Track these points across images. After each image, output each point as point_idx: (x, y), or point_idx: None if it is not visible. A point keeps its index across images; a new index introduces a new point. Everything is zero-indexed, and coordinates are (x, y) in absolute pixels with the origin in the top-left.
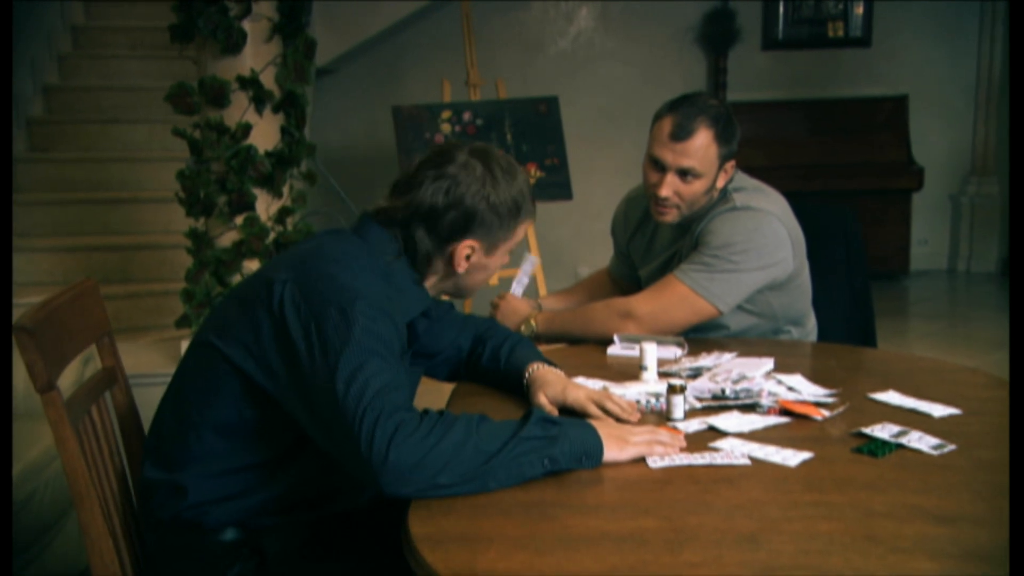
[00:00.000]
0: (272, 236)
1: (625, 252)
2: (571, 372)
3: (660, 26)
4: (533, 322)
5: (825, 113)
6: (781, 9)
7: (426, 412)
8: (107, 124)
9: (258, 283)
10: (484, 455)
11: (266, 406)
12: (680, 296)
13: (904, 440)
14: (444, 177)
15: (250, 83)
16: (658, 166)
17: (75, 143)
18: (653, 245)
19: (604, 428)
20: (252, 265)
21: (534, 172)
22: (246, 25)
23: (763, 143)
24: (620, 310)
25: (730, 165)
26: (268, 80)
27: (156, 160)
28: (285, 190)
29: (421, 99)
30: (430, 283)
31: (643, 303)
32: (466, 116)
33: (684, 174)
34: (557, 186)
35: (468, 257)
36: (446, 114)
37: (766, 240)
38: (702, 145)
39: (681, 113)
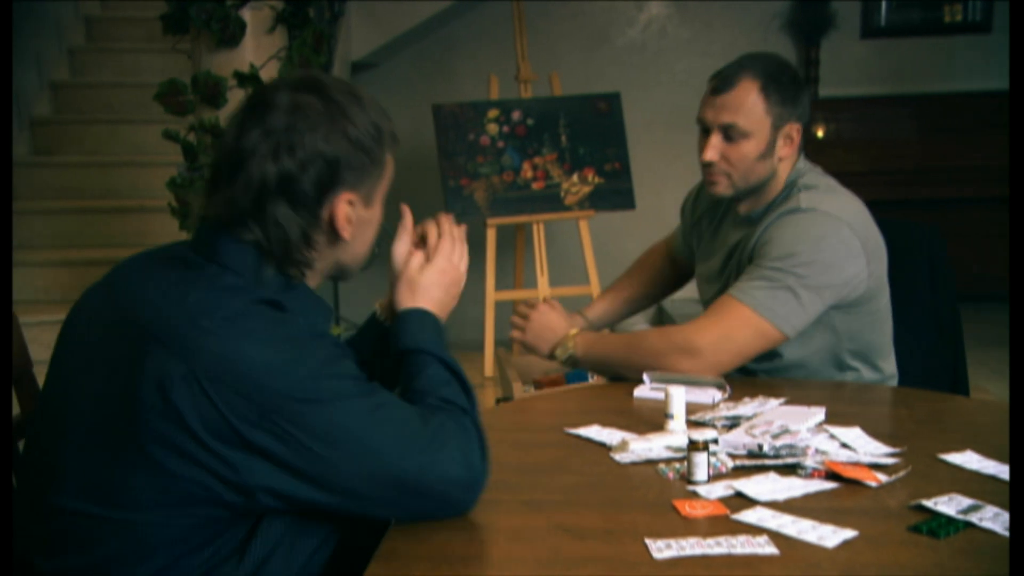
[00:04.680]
0: None
1: (688, 237)
2: (588, 418)
3: (743, 12)
4: (571, 344)
5: (936, 110)
6: None
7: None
8: (117, 124)
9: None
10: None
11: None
12: (742, 319)
13: (974, 518)
14: (278, 131)
15: (249, 80)
16: (704, 130)
17: (82, 146)
18: (715, 238)
19: (428, 297)
20: None
21: (592, 178)
22: (245, 14)
23: (862, 144)
24: (680, 344)
25: (794, 130)
26: (270, 76)
27: (169, 165)
28: None
29: (472, 96)
30: (311, 276)
31: (703, 332)
32: (515, 115)
33: (727, 133)
34: (618, 194)
35: (349, 217)
36: (493, 113)
37: (835, 251)
38: (745, 97)
39: (727, 67)
